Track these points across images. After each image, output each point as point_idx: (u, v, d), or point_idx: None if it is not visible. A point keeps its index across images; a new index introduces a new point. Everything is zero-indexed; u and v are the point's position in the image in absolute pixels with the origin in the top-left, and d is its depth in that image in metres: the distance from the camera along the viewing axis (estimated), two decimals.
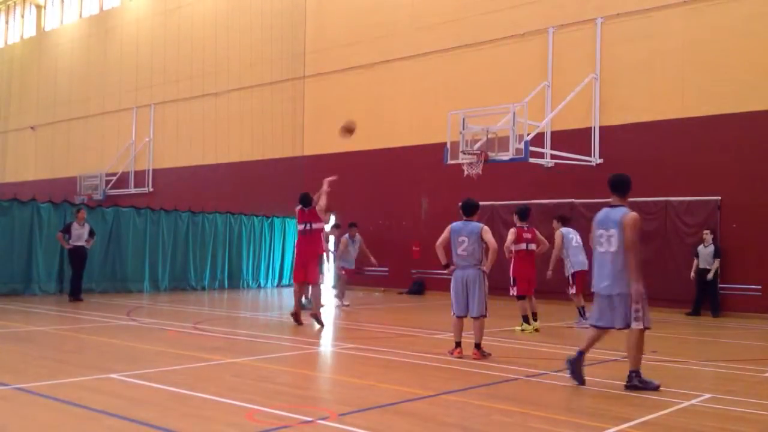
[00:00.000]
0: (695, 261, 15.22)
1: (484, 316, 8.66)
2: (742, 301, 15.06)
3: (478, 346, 8.55)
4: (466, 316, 8.70)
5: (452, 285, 8.76)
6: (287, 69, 24.46)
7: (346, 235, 16.41)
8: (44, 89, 34.70)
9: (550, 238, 12.60)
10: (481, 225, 8.72)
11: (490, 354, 8.58)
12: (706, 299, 15.13)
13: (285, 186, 23.59)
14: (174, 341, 9.77)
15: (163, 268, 19.47)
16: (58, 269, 17.22)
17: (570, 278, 12.47)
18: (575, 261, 12.40)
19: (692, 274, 15.21)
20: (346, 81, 22.80)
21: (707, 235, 15.14)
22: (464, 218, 8.82)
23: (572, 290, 12.47)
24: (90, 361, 7.98)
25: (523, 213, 11.90)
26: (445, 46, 20.39)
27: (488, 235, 8.61)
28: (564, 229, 12.56)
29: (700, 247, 15.21)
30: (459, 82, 19.91)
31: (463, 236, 8.62)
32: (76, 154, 32.37)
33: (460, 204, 9.07)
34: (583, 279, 12.21)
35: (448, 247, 8.85)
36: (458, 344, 8.67)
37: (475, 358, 8.40)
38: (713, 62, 15.98)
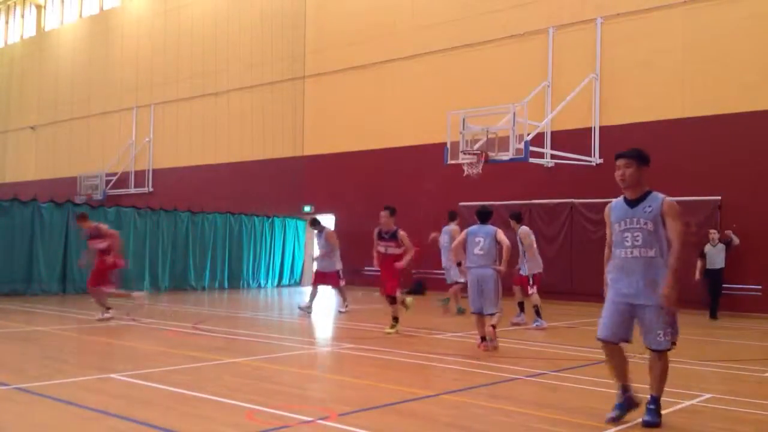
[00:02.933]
0: (700, 262, 14.34)
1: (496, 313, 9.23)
2: (742, 301, 15.05)
3: (483, 339, 9.16)
4: (481, 313, 9.25)
5: (469, 283, 9.45)
6: (287, 69, 24.46)
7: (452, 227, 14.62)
8: (44, 89, 34.70)
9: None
10: (495, 227, 9.38)
11: (496, 347, 9.16)
12: (716, 299, 14.40)
13: (285, 186, 23.61)
14: (174, 341, 9.77)
15: (163, 268, 19.48)
16: (60, 269, 17.23)
17: (531, 278, 12.43)
18: (539, 261, 12.60)
19: (698, 275, 14.23)
20: (346, 81, 22.80)
21: (714, 234, 14.47)
22: (479, 224, 9.50)
23: (533, 289, 12.43)
24: (90, 361, 7.98)
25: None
26: (445, 46, 20.39)
27: (502, 235, 9.25)
28: (527, 228, 12.78)
29: (707, 247, 14.43)
30: (459, 82, 19.91)
31: (480, 237, 9.27)
32: (76, 154, 32.37)
33: (475, 211, 9.76)
34: (540, 279, 12.64)
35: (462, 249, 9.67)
36: (483, 339, 9.23)
37: (484, 350, 9.05)
38: (713, 62, 15.98)
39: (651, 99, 16.76)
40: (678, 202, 5.43)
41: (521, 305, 12.76)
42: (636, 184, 5.47)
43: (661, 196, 5.46)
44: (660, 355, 5.47)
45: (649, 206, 5.37)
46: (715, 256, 14.35)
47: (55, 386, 6.37)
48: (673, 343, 5.44)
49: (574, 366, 8.22)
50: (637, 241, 5.36)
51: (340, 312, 14.25)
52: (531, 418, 5.55)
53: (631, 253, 5.37)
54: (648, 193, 5.49)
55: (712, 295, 14.42)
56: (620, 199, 5.56)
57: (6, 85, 37.41)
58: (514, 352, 9.31)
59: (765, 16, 15.50)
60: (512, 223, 12.90)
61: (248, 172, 25.16)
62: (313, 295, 14.10)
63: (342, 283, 14.36)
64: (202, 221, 20.60)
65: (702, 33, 16.21)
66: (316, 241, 14.98)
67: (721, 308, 14.71)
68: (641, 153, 5.52)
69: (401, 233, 11.18)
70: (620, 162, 5.50)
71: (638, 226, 5.37)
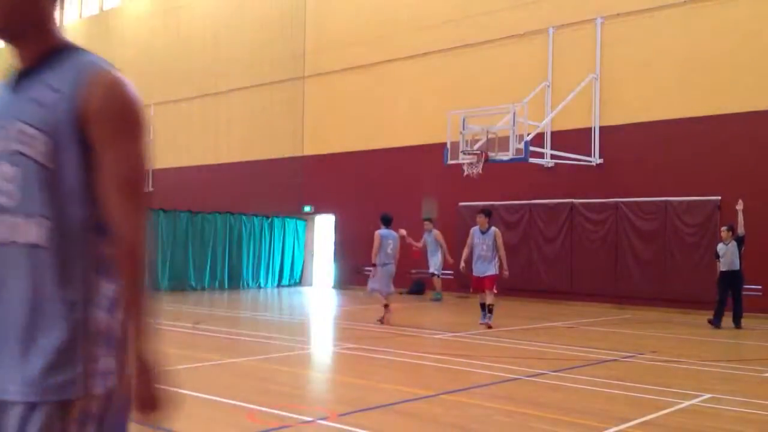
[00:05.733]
0: (718, 263, 13.10)
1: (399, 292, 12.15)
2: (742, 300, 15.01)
3: (387, 306, 11.98)
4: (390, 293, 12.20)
5: (384, 274, 12.21)
6: (287, 69, 24.45)
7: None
8: None
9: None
10: (396, 232, 12.68)
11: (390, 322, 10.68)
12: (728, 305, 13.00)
13: (285, 186, 23.61)
14: (174, 341, 9.77)
15: (163, 268, 19.45)
16: None
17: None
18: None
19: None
20: (346, 81, 22.79)
21: (726, 232, 13.01)
22: (384, 227, 12.33)
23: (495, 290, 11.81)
24: None
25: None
26: (445, 46, 20.38)
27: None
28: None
29: (720, 246, 13.11)
30: (459, 82, 19.90)
31: (390, 240, 12.39)
32: None
33: (381, 216, 12.49)
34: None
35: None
36: (386, 306, 11.95)
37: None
38: (713, 62, 15.98)
39: (651, 99, 16.75)
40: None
41: (491, 308, 11.70)
42: (14, 18, 1.84)
43: (89, 59, 1.87)
44: None
45: (56, 89, 1.75)
46: (731, 255, 13.00)
47: None
48: None
49: (574, 366, 8.22)
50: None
51: None
52: (531, 418, 5.55)
53: None
54: (59, 51, 1.89)
55: (733, 299, 13.04)
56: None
57: None
58: (514, 352, 9.31)
59: (765, 16, 15.49)
60: (481, 218, 11.93)
61: (248, 172, 25.15)
62: None
63: None
64: (202, 221, 20.59)
65: (702, 33, 16.21)
66: None
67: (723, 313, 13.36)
68: None
69: None
70: None
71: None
